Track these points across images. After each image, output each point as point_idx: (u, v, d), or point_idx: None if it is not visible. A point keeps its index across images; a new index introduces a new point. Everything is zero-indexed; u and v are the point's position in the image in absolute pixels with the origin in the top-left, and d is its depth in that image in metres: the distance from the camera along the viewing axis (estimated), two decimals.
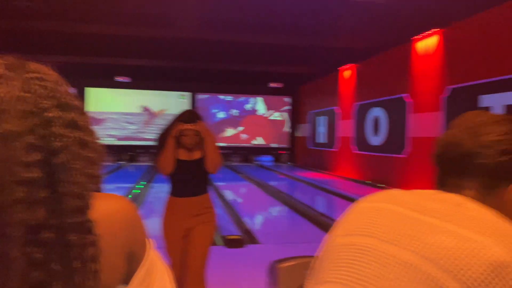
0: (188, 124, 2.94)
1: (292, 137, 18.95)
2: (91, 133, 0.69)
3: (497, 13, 7.28)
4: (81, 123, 0.66)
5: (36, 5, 7.90)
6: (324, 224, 6.17)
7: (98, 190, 0.69)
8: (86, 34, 9.96)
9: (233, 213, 6.99)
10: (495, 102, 7.24)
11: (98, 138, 0.70)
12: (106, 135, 17.27)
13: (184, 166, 3.00)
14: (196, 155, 3.03)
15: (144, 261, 0.73)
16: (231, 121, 18.52)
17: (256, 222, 7.15)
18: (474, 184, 0.81)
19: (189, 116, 3.00)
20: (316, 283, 0.77)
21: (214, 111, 18.31)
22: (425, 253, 0.68)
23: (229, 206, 7.61)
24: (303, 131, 17.76)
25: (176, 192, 3.05)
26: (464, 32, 8.17)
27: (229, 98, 18.45)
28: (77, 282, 0.59)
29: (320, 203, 9.52)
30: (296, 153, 18.59)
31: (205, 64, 13.68)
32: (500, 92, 7.15)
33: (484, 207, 0.75)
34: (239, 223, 6.34)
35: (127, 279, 0.72)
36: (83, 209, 0.63)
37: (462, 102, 8.09)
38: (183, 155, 3.02)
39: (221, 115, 18.42)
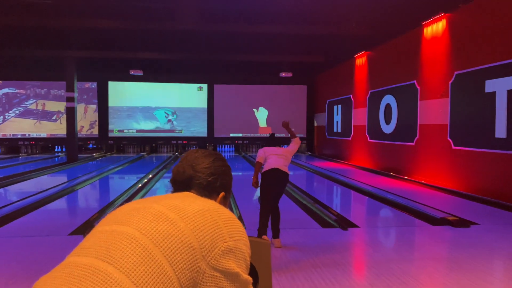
0: None
1: (310, 126, 18.87)
2: None
3: None
4: None
5: (56, 2, 8.27)
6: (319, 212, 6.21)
7: None
8: (98, 29, 10.28)
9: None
10: (500, 87, 7.02)
11: None
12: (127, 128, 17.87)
13: None
14: None
15: None
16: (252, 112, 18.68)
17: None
18: (195, 194, 1.21)
19: None
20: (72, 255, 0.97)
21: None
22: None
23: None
24: (321, 120, 17.67)
25: None
26: (470, 17, 7.93)
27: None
28: None
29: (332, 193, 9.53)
30: (315, 143, 18.56)
31: (217, 56, 13.82)
32: (504, 76, 6.93)
33: (193, 196, 1.14)
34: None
35: None
36: None
37: (468, 87, 7.88)
38: None
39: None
